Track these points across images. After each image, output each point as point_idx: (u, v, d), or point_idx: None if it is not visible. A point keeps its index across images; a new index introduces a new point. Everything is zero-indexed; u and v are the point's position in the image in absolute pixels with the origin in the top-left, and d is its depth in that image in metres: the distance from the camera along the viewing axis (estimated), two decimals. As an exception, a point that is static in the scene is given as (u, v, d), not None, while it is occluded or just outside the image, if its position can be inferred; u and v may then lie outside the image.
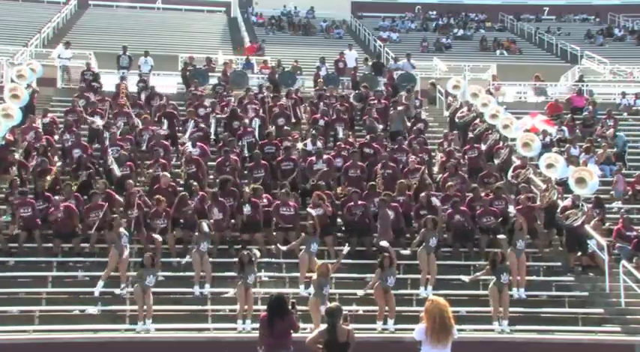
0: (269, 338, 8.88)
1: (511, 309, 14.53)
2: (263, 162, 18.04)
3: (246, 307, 13.76)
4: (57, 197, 16.23)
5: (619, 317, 15.28)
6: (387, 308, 14.05)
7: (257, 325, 9.89)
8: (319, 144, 19.13)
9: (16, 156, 18.26)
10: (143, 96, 23.01)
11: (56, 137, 19.73)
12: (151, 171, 17.91)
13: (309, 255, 14.84)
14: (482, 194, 17.41)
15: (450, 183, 17.41)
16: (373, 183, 17.40)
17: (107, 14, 42.96)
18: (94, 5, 44.85)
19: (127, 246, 14.90)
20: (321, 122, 21.08)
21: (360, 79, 25.99)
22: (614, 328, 14.90)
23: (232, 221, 16.56)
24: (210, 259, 15.26)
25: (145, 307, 13.68)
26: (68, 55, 27.05)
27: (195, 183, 16.97)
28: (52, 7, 41.68)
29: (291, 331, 8.97)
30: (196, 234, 15.10)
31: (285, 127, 20.55)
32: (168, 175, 17.32)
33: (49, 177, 17.17)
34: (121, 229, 14.93)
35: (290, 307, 9.02)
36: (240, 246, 15.85)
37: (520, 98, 29.98)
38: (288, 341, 8.94)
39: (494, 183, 17.99)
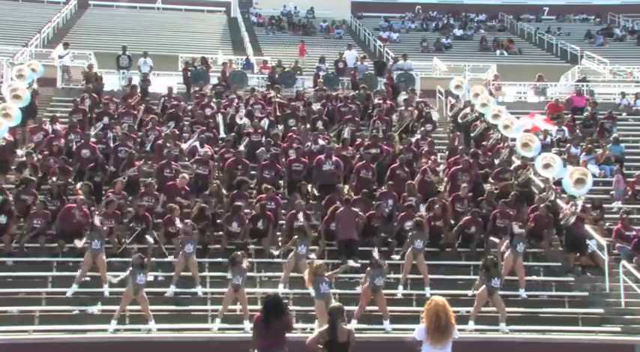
0: (264, 338, 8.79)
1: (511, 309, 14.55)
2: (275, 163, 18.00)
3: (235, 307, 13.78)
4: (81, 197, 16.17)
5: (619, 317, 15.29)
6: (378, 307, 14.06)
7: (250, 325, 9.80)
8: (321, 142, 19.11)
9: (19, 153, 18.27)
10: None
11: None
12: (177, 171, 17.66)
13: (296, 257, 14.83)
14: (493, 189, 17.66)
15: (464, 185, 17.42)
16: (391, 182, 17.38)
17: (107, 14, 42.91)
18: (94, 5, 44.79)
19: (102, 248, 14.75)
20: (319, 123, 21.06)
21: (360, 80, 25.98)
22: (614, 328, 14.90)
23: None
24: (214, 259, 15.34)
25: (142, 308, 13.72)
26: (67, 55, 27.02)
27: (217, 183, 17.00)
28: (52, 7, 41.64)
29: (286, 331, 8.92)
30: (180, 236, 15.11)
31: (293, 128, 20.55)
32: (187, 177, 17.25)
33: (70, 180, 17.30)
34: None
35: (285, 307, 8.93)
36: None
37: (520, 98, 29.97)
38: (283, 341, 8.85)
39: (510, 179, 18.06)
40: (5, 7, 39.96)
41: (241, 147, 19.26)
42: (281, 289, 14.56)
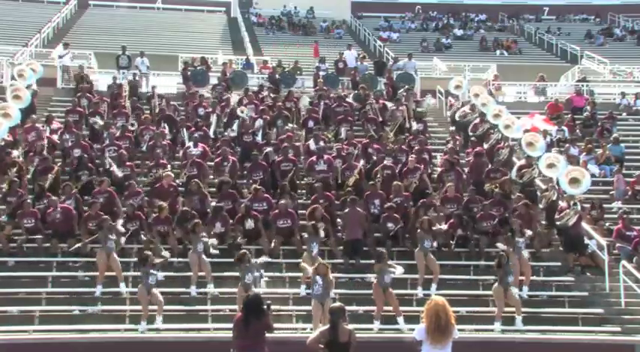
0: (244, 339, 8.74)
1: (511, 309, 14.49)
2: (261, 163, 18.02)
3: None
4: (55, 197, 16.20)
5: (619, 317, 15.27)
6: (391, 307, 14.01)
7: None
8: (322, 143, 19.12)
9: (14, 153, 18.27)
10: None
11: (54, 137, 19.63)
12: (160, 172, 17.57)
13: (310, 256, 14.82)
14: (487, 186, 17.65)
15: (449, 185, 17.38)
16: (373, 183, 17.38)
17: (107, 14, 42.98)
18: (94, 5, 44.87)
19: (113, 247, 14.81)
20: (311, 123, 21.02)
21: (360, 80, 25.96)
22: (614, 328, 14.89)
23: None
24: (212, 259, 15.33)
25: (156, 306, 13.73)
26: (67, 55, 27.02)
27: (195, 181, 16.93)
28: (52, 7, 41.71)
29: (266, 332, 8.86)
30: (192, 234, 15.10)
31: (286, 127, 20.54)
32: (172, 175, 17.31)
33: (50, 175, 17.13)
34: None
35: (265, 307, 8.88)
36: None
37: (520, 98, 29.97)
38: (263, 341, 8.81)
39: (501, 177, 18.02)
40: (5, 7, 40.00)
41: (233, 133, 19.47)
42: (303, 291, 14.66)
